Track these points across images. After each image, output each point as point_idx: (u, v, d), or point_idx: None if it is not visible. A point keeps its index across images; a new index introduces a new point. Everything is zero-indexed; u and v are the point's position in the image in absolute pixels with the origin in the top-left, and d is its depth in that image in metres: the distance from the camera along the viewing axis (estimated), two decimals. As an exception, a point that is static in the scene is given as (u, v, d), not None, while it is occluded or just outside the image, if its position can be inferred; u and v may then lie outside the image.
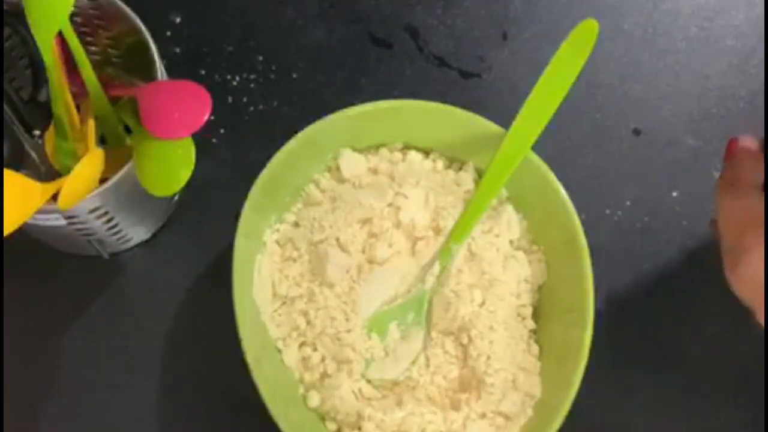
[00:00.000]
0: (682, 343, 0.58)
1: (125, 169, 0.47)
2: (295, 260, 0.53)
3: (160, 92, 0.48)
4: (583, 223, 0.51)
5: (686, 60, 0.64)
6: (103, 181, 0.47)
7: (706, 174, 0.62)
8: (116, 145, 0.52)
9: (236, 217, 0.49)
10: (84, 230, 0.51)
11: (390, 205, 0.54)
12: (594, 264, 0.51)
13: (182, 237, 0.58)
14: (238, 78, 0.62)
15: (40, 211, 0.45)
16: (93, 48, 0.55)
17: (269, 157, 0.50)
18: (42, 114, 0.50)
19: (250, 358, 0.47)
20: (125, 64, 0.55)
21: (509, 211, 0.55)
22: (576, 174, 0.59)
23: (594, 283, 0.50)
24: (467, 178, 0.55)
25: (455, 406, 0.50)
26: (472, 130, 0.54)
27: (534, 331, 0.53)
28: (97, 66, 0.50)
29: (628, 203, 0.61)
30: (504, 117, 0.52)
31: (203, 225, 0.58)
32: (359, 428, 0.50)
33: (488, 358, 0.51)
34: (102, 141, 0.51)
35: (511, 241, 0.55)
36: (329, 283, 0.52)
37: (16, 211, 0.43)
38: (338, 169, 0.55)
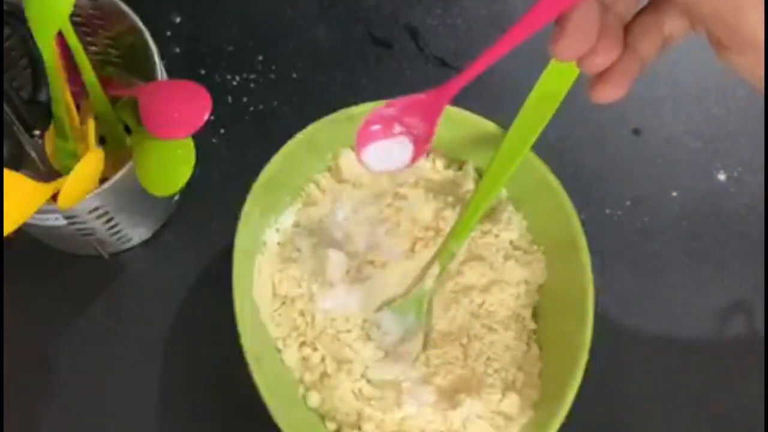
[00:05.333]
0: (683, 342, 0.58)
1: (125, 169, 0.47)
2: (295, 260, 0.52)
3: (160, 92, 0.48)
4: (583, 223, 0.51)
5: (686, 60, 0.64)
6: (103, 181, 0.47)
7: (706, 174, 0.62)
8: (116, 145, 0.52)
9: (236, 217, 0.49)
10: (84, 230, 0.51)
11: (390, 205, 0.54)
12: (594, 264, 0.50)
13: (182, 237, 0.58)
14: (238, 78, 0.62)
15: (40, 211, 0.45)
16: (93, 48, 0.55)
17: (269, 157, 0.50)
18: (42, 114, 0.50)
19: (250, 358, 0.47)
20: (125, 64, 0.55)
21: (509, 211, 0.55)
22: (576, 174, 0.59)
23: (594, 283, 0.50)
24: (467, 178, 0.55)
25: (455, 406, 0.50)
26: (472, 130, 0.54)
27: (534, 331, 0.53)
28: (97, 66, 0.50)
29: (628, 203, 0.61)
30: (504, 117, 0.52)
31: (203, 225, 0.58)
32: (359, 428, 0.50)
33: (488, 358, 0.51)
34: (102, 141, 0.51)
35: (511, 241, 0.55)
36: (329, 283, 0.52)
37: (16, 211, 0.43)
38: (338, 169, 0.54)
